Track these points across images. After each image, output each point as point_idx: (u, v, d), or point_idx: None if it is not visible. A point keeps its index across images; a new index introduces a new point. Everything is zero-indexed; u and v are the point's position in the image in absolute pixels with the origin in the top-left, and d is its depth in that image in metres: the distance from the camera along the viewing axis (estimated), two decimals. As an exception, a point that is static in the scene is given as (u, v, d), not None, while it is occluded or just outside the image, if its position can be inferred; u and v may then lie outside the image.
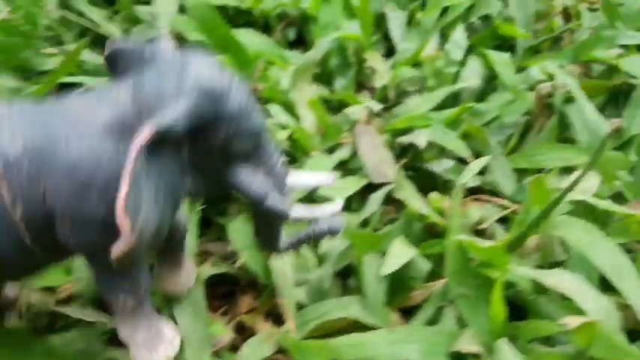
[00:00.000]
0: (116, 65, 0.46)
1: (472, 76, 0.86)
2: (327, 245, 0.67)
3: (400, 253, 0.61)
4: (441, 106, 0.85)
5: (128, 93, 0.42)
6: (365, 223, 0.72)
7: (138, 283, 0.48)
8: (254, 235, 0.53)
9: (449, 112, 0.78)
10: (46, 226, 0.42)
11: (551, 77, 0.82)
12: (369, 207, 0.72)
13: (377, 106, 0.85)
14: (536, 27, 1.03)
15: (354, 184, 0.75)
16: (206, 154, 0.44)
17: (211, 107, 0.42)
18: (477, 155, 0.82)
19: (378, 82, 0.91)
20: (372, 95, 0.93)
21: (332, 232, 0.52)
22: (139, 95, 0.42)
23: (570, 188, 0.60)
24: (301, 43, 1.02)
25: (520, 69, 0.92)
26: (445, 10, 1.02)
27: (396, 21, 1.00)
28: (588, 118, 0.76)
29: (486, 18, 0.96)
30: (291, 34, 1.02)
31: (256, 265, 0.64)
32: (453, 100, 0.86)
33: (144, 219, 0.40)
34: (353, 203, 0.75)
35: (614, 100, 0.90)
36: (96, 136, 0.41)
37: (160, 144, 0.41)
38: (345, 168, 0.79)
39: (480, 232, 0.74)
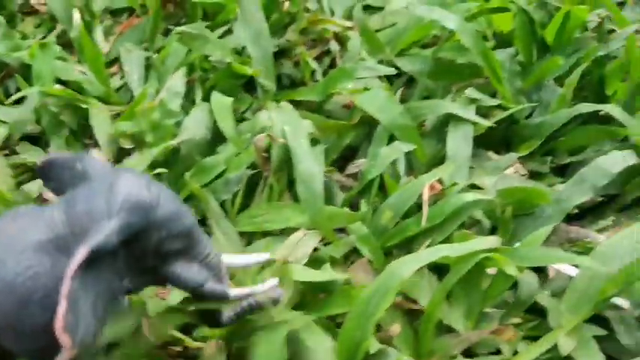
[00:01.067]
0: (49, 177, 0.51)
1: (195, 127, 0.75)
2: None
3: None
4: (162, 165, 0.74)
5: (61, 213, 0.45)
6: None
7: None
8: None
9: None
10: None
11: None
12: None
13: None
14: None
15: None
16: (141, 256, 0.47)
17: (142, 220, 0.45)
18: (204, 218, 0.72)
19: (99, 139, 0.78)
20: (102, 153, 0.81)
21: (274, 302, 0.54)
22: (71, 215, 0.45)
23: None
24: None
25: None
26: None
27: (131, 63, 0.88)
28: (304, 170, 0.67)
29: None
30: (12, 87, 0.87)
31: None
32: (174, 156, 0.75)
33: (83, 331, 0.43)
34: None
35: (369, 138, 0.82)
36: (31, 255, 0.44)
37: (94, 261, 0.43)
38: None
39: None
